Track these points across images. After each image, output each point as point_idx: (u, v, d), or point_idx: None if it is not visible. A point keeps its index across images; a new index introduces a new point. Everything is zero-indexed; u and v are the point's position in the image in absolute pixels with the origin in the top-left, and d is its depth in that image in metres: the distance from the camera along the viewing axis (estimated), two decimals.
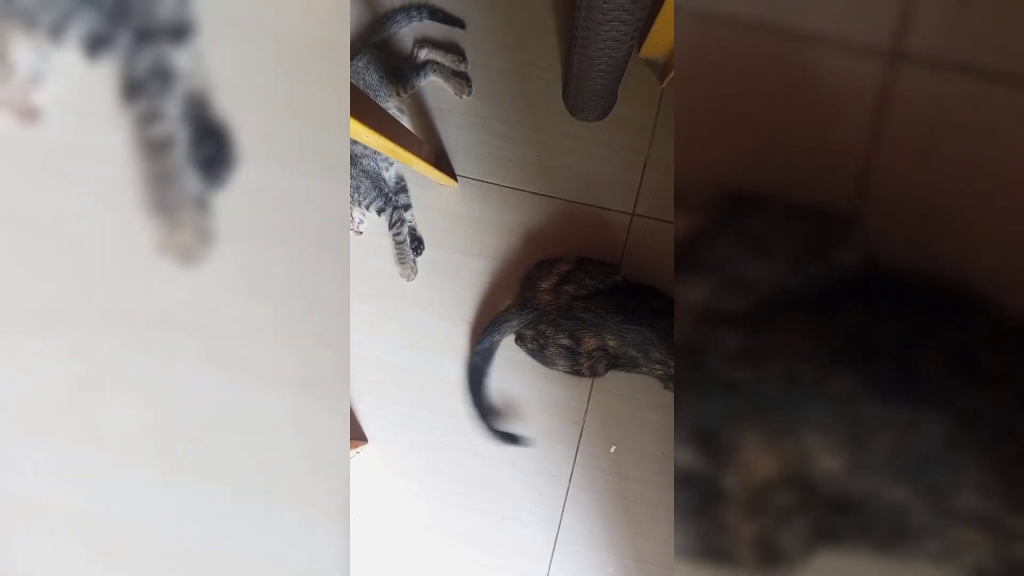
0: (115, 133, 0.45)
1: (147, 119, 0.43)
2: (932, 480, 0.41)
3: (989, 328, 0.45)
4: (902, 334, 0.44)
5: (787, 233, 0.48)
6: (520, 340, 0.93)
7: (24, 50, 0.44)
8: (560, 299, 0.88)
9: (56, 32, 0.43)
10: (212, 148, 0.44)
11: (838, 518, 0.42)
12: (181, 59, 0.44)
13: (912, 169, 0.48)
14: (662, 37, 0.90)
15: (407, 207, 0.98)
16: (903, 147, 0.48)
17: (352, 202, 0.94)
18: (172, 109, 0.44)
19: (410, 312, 0.99)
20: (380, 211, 0.95)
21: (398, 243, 0.96)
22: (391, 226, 0.96)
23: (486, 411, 0.94)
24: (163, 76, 0.43)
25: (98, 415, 0.44)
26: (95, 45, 0.43)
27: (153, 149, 0.43)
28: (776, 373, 0.44)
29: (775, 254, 0.47)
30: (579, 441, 0.95)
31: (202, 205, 0.44)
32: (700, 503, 0.43)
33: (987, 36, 0.45)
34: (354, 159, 0.94)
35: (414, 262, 0.97)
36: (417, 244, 0.98)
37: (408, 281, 0.98)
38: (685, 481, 0.44)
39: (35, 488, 0.44)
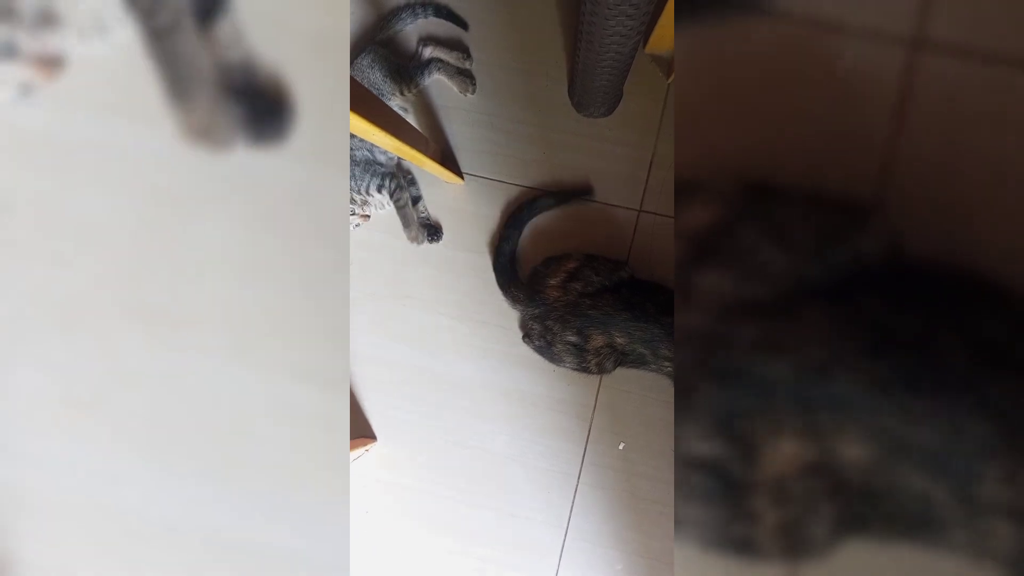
0: (144, 130, 0.46)
1: (151, 12, 0.42)
2: (957, 469, 0.41)
3: (1013, 317, 0.44)
4: (925, 323, 0.44)
5: (808, 223, 0.47)
6: (527, 337, 0.93)
7: None
8: (568, 296, 0.87)
9: None
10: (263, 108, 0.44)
11: (862, 508, 0.42)
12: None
13: (935, 158, 0.47)
14: (668, 32, 0.89)
15: (417, 199, 0.98)
16: (926, 136, 0.47)
17: (352, 192, 0.94)
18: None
19: (416, 310, 0.99)
20: (379, 187, 0.94)
21: (399, 207, 0.95)
22: (391, 194, 0.95)
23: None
24: None
25: (119, 411, 0.45)
26: None
27: (160, 36, 0.42)
28: (800, 362, 0.43)
29: (796, 244, 0.47)
30: (587, 438, 0.95)
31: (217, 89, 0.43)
32: (720, 493, 0.43)
33: (1011, 23, 0.44)
34: None
35: (420, 225, 0.97)
36: (435, 232, 0.98)
37: (417, 244, 0.97)
38: (702, 471, 0.44)
39: (57, 484, 0.44)
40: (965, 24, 0.45)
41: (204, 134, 0.43)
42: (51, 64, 0.42)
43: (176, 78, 0.43)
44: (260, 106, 0.45)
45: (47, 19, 0.41)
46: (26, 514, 0.44)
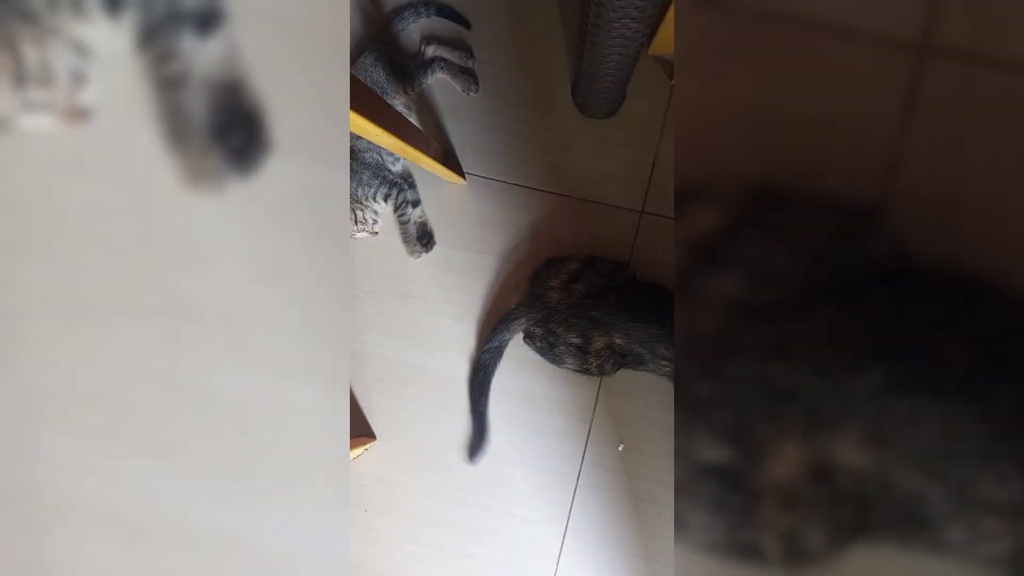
0: (143, 127, 0.46)
1: (162, 59, 0.44)
2: (956, 471, 0.41)
3: (1014, 320, 0.44)
4: (929, 327, 0.44)
5: (811, 226, 0.47)
6: (529, 338, 0.93)
7: (62, 51, 0.44)
8: (571, 297, 0.87)
9: (78, 7, 0.44)
10: (242, 135, 0.45)
11: (866, 512, 0.42)
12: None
13: (940, 161, 0.47)
14: (672, 34, 0.89)
15: (416, 203, 0.98)
16: (931, 139, 0.47)
17: (360, 199, 0.94)
18: (185, 48, 0.45)
19: (417, 310, 0.99)
20: (386, 197, 0.95)
21: (402, 223, 0.97)
22: (396, 208, 0.96)
23: (482, 419, 0.94)
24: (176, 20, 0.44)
25: (122, 408, 0.45)
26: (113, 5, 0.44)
27: (168, 86, 0.44)
28: (804, 366, 0.43)
29: (799, 248, 0.47)
30: (587, 439, 0.95)
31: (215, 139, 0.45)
32: (722, 497, 0.43)
33: (1015, 29, 0.45)
34: (355, 153, 0.94)
35: (416, 233, 0.98)
36: (428, 239, 0.98)
37: (416, 259, 0.98)
38: (704, 474, 0.44)
39: (61, 481, 0.44)
40: (971, 30, 0.45)
41: (194, 179, 0.45)
42: (78, 116, 0.45)
43: (175, 128, 0.45)
44: (239, 134, 0.45)
45: (79, 80, 0.45)
46: (31, 512, 0.44)
